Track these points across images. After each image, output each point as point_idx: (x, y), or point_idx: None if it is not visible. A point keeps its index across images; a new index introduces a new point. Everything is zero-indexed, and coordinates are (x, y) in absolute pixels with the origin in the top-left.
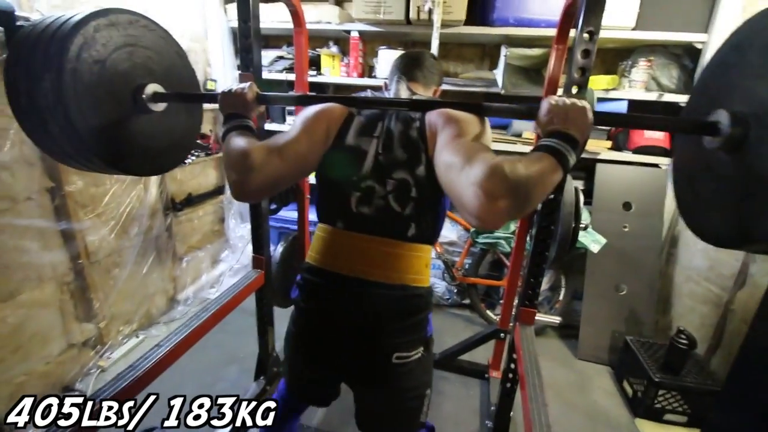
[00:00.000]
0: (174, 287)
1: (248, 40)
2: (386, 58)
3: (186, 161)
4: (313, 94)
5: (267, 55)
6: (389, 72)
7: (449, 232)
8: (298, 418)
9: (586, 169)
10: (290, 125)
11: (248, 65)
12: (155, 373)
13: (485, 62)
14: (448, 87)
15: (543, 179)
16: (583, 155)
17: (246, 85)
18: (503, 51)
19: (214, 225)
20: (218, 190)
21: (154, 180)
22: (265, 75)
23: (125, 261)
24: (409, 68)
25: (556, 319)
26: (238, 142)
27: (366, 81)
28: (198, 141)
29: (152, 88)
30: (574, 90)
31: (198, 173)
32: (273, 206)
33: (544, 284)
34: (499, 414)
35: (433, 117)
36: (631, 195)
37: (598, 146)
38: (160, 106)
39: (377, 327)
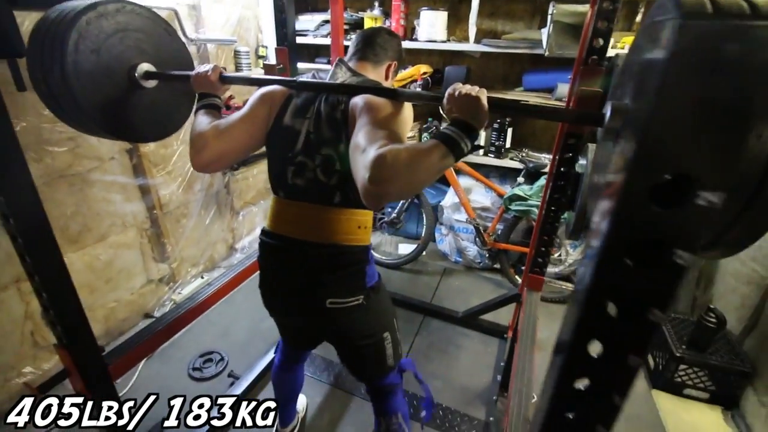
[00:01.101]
0: (232, 237)
1: (283, 15)
2: (427, 19)
3: None
4: (263, 77)
5: (314, 19)
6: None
7: (483, 198)
8: (300, 366)
9: None
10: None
11: (283, 39)
12: (211, 303)
13: (535, 20)
14: (489, 49)
15: (427, 166)
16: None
17: (210, 67)
18: (551, 8)
19: (266, 183)
20: None
21: None
22: (311, 40)
23: (191, 212)
24: (358, 49)
25: (568, 286)
26: (200, 121)
27: (407, 44)
28: None
29: (144, 67)
30: (599, 43)
31: None
32: None
33: (579, 253)
34: (506, 368)
35: (355, 101)
36: None
37: None
38: (151, 83)
39: (312, 279)
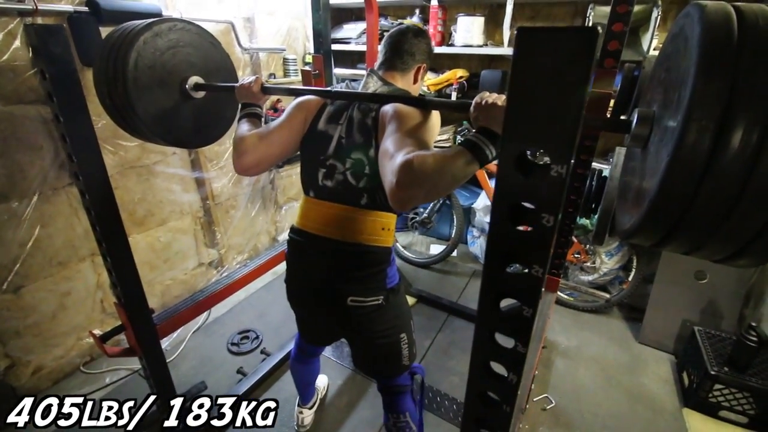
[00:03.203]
0: (275, 229)
1: (319, 26)
2: (464, 25)
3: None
4: (300, 87)
5: (356, 28)
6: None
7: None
8: (316, 359)
9: None
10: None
11: (319, 47)
12: (246, 281)
13: (576, 22)
14: None
15: (452, 171)
16: None
17: (252, 78)
18: (589, 9)
19: None
20: None
21: None
22: (353, 47)
23: (239, 204)
24: (386, 58)
25: (602, 295)
26: (242, 128)
27: (442, 49)
28: None
29: (193, 80)
30: (615, 46)
31: None
32: None
33: (614, 263)
34: None
35: (385, 109)
36: None
37: None
38: (200, 94)
39: (335, 275)
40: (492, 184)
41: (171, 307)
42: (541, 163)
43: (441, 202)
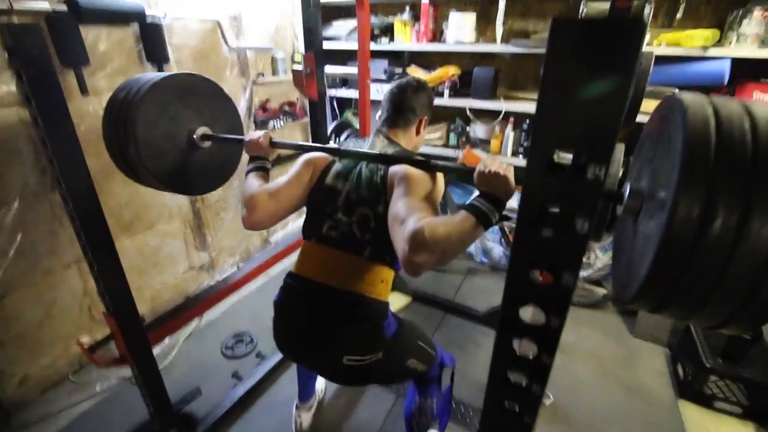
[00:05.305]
0: (267, 231)
1: (310, 24)
2: (456, 21)
3: (276, 127)
4: (309, 144)
5: (346, 26)
6: (380, 109)
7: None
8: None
9: None
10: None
11: (310, 46)
12: (239, 285)
13: None
14: (517, 50)
15: (460, 237)
16: None
17: (261, 133)
18: (582, 5)
19: None
20: None
21: None
22: (343, 45)
23: (229, 206)
24: (388, 116)
25: (598, 290)
26: (250, 183)
27: (434, 46)
28: (286, 109)
29: (201, 131)
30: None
31: (286, 137)
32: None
33: (609, 258)
34: None
35: (394, 170)
36: None
37: None
38: (207, 143)
39: (329, 329)
40: None
41: (162, 314)
42: (564, 163)
43: None
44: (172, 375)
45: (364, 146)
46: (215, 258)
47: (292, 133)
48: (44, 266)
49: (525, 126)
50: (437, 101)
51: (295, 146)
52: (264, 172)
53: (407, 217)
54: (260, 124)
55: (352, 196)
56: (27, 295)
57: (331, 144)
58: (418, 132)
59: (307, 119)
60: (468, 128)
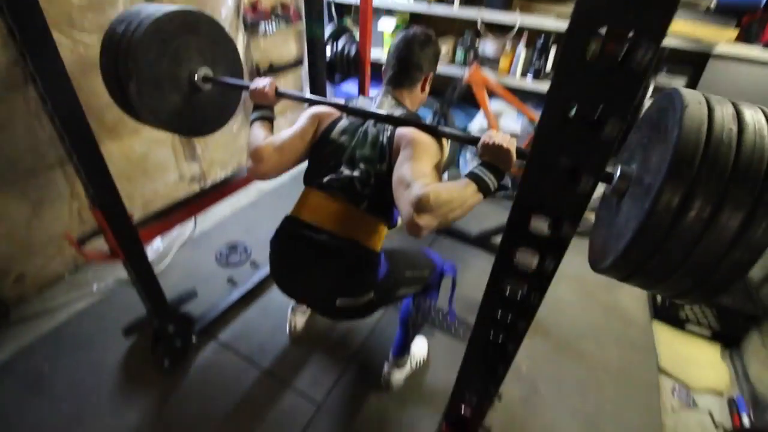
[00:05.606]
0: None
1: None
2: None
3: (268, 32)
4: (316, 97)
5: None
6: (385, 62)
7: (513, 123)
8: None
9: (693, 64)
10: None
11: None
12: (228, 192)
13: None
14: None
15: (462, 202)
16: (690, 47)
17: (267, 81)
18: None
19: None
20: (298, 61)
21: (241, 47)
22: None
23: None
24: (395, 73)
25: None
26: (256, 134)
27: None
28: (279, 12)
29: (202, 71)
30: None
31: (280, 44)
32: (338, 77)
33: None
34: None
35: (402, 132)
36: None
37: (715, 36)
38: (208, 86)
39: (323, 271)
40: (491, 104)
41: (154, 214)
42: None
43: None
44: (168, 279)
45: (371, 106)
46: (206, 170)
47: (286, 40)
48: (26, 165)
49: (539, 45)
50: (445, 10)
51: (302, 98)
52: (269, 122)
53: (413, 181)
54: (250, 27)
55: (356, 153)
56: (10, 193)
57: (337, 100)
58: (423, 89)
59: (302, 25)
60: (477, 43)
